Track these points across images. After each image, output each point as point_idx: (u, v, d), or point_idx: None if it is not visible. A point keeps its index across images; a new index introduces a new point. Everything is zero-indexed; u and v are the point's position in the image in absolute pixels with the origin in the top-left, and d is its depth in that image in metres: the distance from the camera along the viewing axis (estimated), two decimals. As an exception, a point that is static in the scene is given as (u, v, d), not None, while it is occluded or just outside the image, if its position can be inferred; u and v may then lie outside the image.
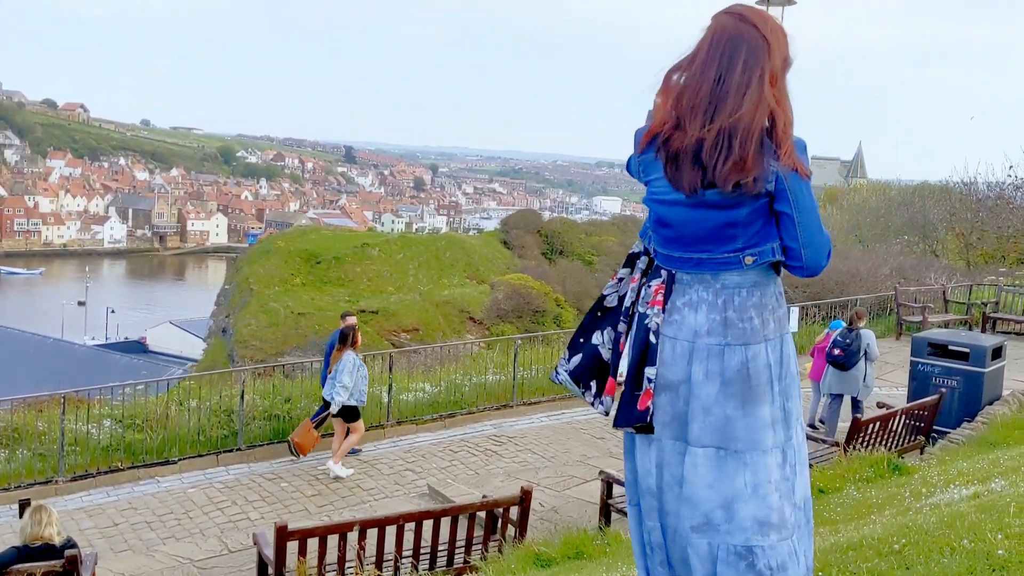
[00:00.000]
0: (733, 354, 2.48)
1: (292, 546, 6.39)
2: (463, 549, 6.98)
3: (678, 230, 2.54)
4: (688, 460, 2.50)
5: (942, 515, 4.32)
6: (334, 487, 10.06)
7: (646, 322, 2.57)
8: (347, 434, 10.47)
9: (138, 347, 68.33)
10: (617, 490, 8.14)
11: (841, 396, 11.18)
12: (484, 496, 7.73)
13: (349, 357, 10.19)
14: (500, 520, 7.16)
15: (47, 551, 5.94)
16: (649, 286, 2.62)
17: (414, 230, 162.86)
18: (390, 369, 12.37)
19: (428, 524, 6.85)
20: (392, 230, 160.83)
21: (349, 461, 10.61)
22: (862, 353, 10.97)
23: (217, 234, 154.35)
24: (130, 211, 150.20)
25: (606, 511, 8.24)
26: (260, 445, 11.14)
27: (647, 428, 2.54)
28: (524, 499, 7.18)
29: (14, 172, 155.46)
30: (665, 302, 2.57)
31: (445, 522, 6.90)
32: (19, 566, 5.82)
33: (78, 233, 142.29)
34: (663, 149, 2.46)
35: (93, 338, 74.96)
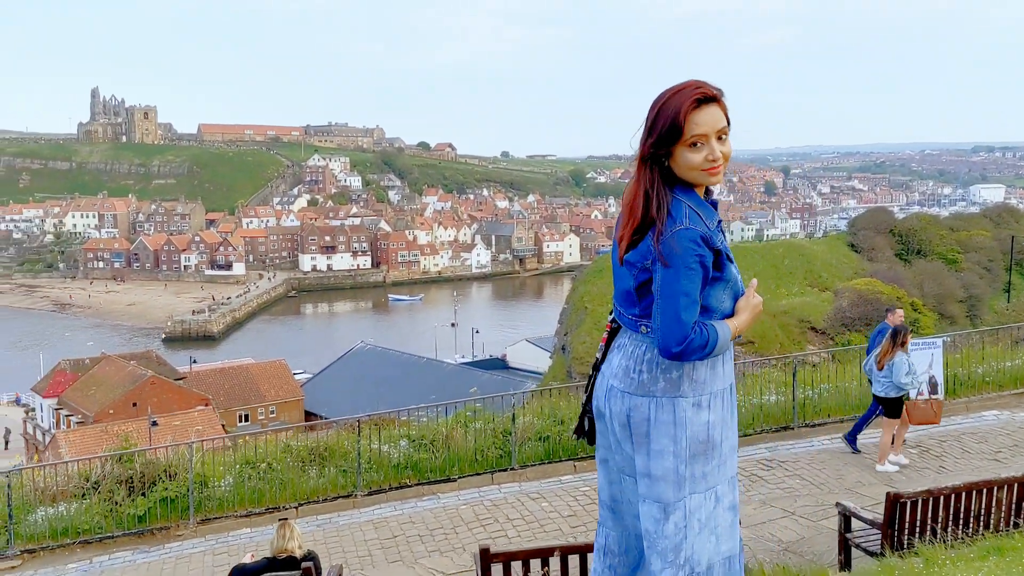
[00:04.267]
0: (624, 401, 2.72)
1: (497, 569, 6.78)
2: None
3: (615, 284, 2.87)
4: (624, 486, 2.85)
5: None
6: (590, 509, 10.35)
7: (597, 354, 2.94)
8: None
9: (499, 364, 73.71)
10: (857, 524, 7.58)
11: None
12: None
13: (901, 360, 10.33)
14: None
15: (290, 562, 6.88)
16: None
17: (764, 237, 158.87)
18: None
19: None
20: (742, 238, 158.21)
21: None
22: None
23: (571, 254, 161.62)
24: (493, 237, 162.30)
25: (845, 547, 7.69)
26: (532, 465, 11.75)
27: (590, 440, 2.96)
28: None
29: (396, 210, 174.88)
30: (610, 342, 2.89)
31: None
32: (267, 575, 6.83)
33: (450, 261, 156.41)
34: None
35: (462, 356, 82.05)
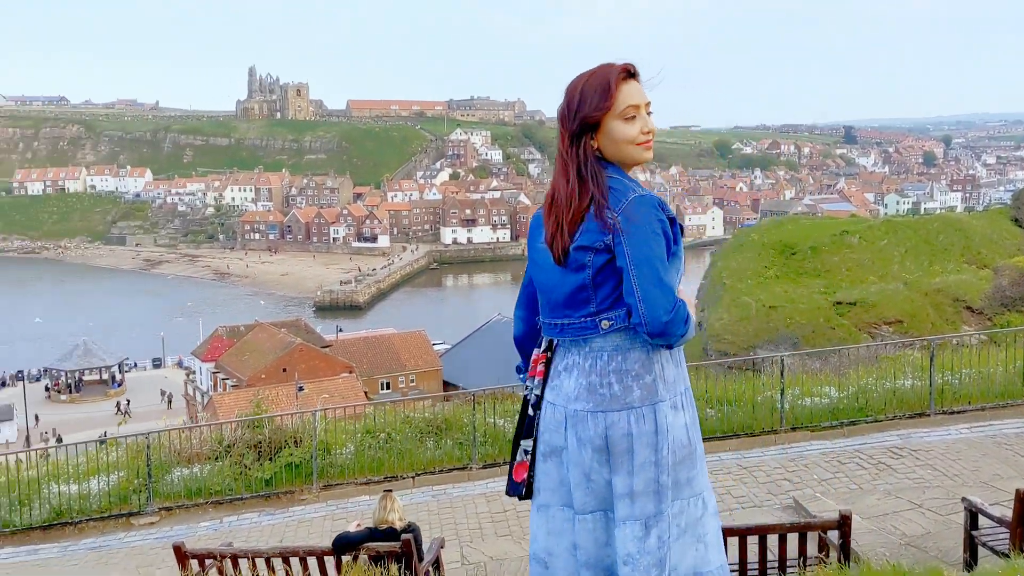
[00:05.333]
0: (596, 422, 2.41)
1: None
2: (764, 571, 6.67)
3: (548, 296, 2.54)
4: (578, 527, 2.44)
5: None
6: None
7: (525, 393, 2.56)
8: None
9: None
10: (985, 522, 7.07)
11: None
12: (836, 513, 7.27)
13: None
14: (819, 544, 6.70)
15: (391, 534, 7.01)
16: (532, 356, 2.60)
17: (922, 210, 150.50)
18: (781, 373, 11.97)
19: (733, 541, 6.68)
20: (896, 211, 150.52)
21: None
22: None
23: (713, 227, 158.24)
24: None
25: (971, 545, 7.19)
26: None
27: (528, 494, 2.52)
28: (843, 524, 6.62)
29: (536, 183, 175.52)
30: (548, 368, 2.56)
31: (753, 541, 6.67)
32: (369, 544, 6.98)
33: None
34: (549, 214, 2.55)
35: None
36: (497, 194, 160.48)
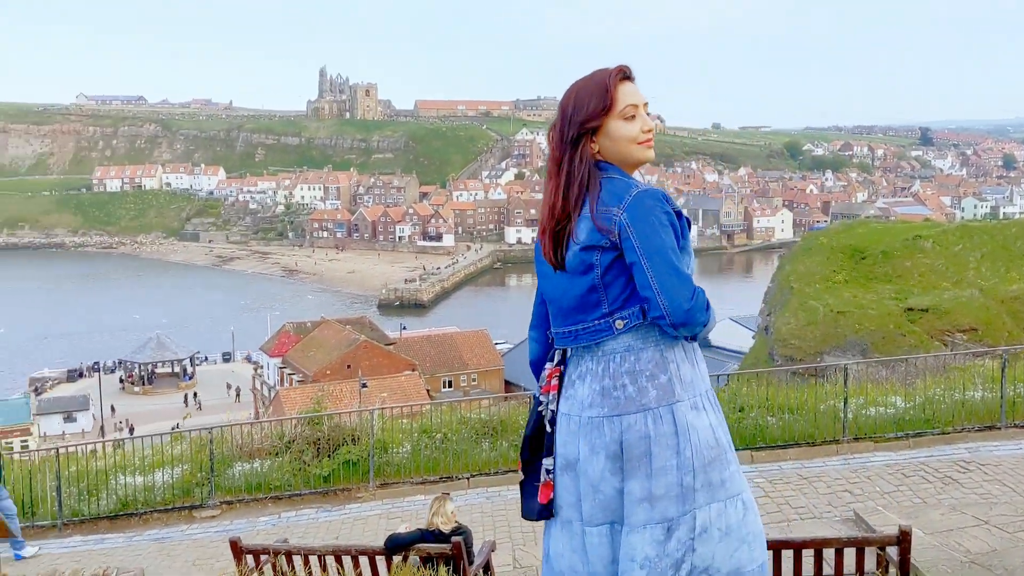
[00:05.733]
0: (612, 427, 2.35)
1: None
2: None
3: (558, 304, 2.50)
4: (587, 540, 2.40)
5: None
6: (763, 502, 9.92)
7: (539, 408, 2.51)
8: None
9: (702, 342, 72.34)
10: (1055, 543, 6.81)
11: None
12: (895, 528, 7.07)
13: None
14: (878, 560, 6.52)
15: (441, 536, 7.04)
16: (544, 370, 2.55)
17: (1000, 215, 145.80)
18: (844, 382, 11.70)
19: (787, 555, 6.54)
20: (974, 216, 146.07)
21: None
22: None
23: (782, 230, 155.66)
24: (700, 212, 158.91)
25: (1039, 566, 6.92)
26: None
27: (551, 513, 2.47)
28: (902, 540, 6.43)
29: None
30: (562, 380, 2.51)
31: (808, 555, 6.52)
32: (419, 545, 7.02)
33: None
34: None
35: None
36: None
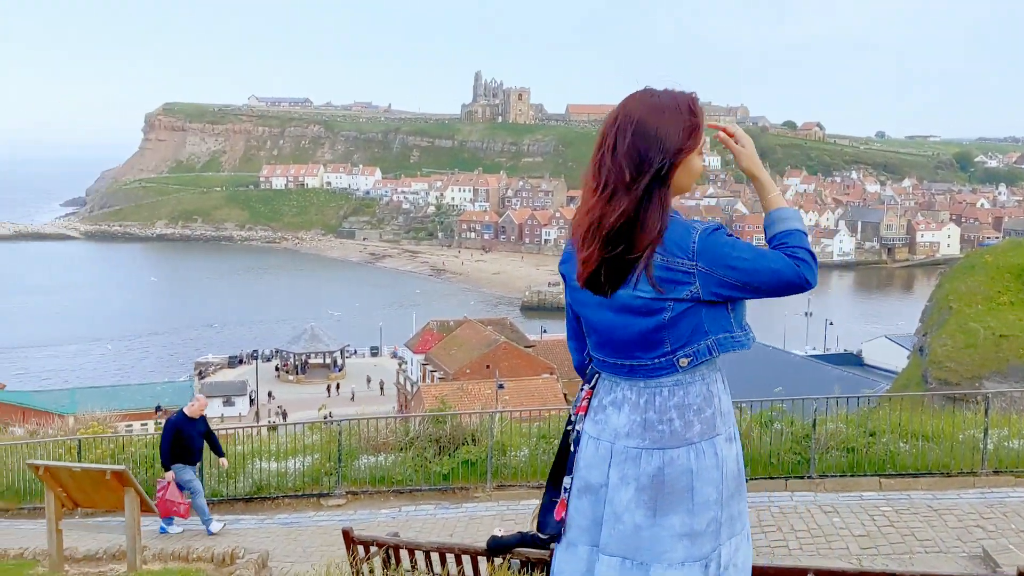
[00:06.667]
0: (650, 459, 2.31)
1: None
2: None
3: (605, 336, 2.41)
4: (599, 568, 2.37)
5: None
6: (886, 531, 9.51)
7: (568, 427, 2.50)
8: None
9: (853, 359, 69.47)
10: None
11: None
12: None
13: None
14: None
15: (541, 541, 7.12)
16: (581, 391, 2.52)
17: None
18: (985, 411, 11.04)
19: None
20: None
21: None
22: None
23: (948, 245, 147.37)
24: (859, 224, 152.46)
25: None
26: (832, 476, 11.03)
27: (558, 534, 2.48)
28: (1022, 584, 6.05)
29: (754, 191, 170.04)
30: (591, 401, 2.46)
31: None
32: (519, 549, 7.13)
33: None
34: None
35: (812, 348, 78.56)
36: (713, 201, 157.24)
